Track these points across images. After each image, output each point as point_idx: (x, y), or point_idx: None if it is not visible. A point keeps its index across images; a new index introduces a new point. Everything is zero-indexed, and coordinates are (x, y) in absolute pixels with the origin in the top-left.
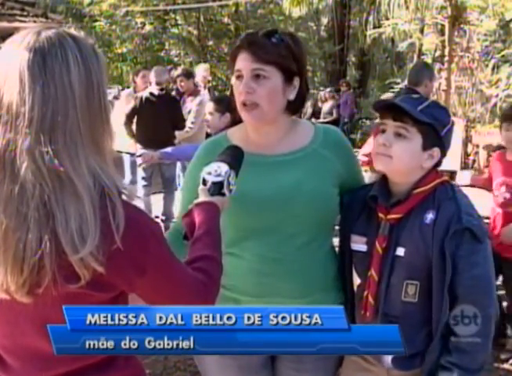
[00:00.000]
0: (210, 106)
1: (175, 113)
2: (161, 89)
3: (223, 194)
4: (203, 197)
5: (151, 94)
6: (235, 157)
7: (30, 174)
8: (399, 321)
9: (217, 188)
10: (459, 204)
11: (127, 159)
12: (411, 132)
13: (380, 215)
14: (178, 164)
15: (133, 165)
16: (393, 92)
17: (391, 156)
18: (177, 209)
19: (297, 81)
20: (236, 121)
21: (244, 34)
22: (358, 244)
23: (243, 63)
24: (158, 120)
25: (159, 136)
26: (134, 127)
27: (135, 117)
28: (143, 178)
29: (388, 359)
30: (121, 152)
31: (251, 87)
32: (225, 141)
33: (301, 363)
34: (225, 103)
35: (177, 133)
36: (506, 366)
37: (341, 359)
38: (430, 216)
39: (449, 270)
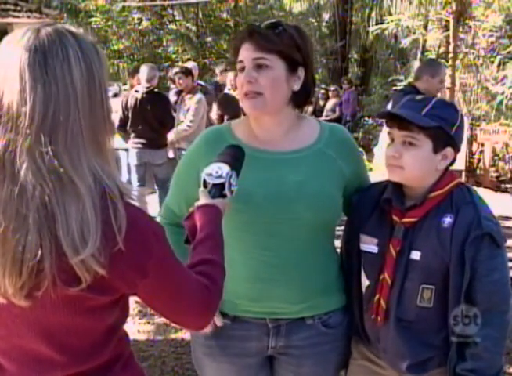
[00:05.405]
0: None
1: (162, 111)
2: (148, 87)
3: (224, 196)
4: (204, 200)
5: (136, 92)
6: (236, 157)
7: (30, 174)
8: (413, 326)
9: (218, 190)
10: (478, 208)
11: (124, 158)
12: (419, 139)
13: (395, 218)
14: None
15: (130, 164)
16: (396, 89)
17: (403, 166)
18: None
19: (301, 72)
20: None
21: (246, 26)
22: (369, 245)
23: (245, 53)
24: (144, 118)
25: (146, 134)
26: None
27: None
28: (137, 178)
29: (403, 364)
30: (118, 149)
31: (253, 76)
32: (227, 132)
33: (301, 367)
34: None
35: (175, 131)
36: None
37: (343, 363)
38: (448, 220)
39: (467, 275)
